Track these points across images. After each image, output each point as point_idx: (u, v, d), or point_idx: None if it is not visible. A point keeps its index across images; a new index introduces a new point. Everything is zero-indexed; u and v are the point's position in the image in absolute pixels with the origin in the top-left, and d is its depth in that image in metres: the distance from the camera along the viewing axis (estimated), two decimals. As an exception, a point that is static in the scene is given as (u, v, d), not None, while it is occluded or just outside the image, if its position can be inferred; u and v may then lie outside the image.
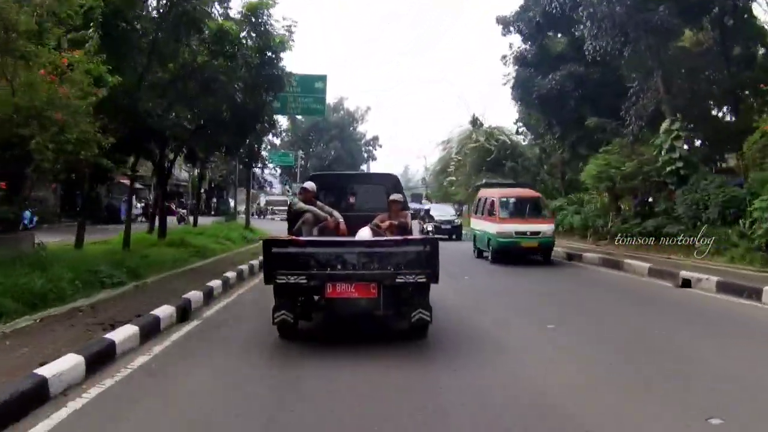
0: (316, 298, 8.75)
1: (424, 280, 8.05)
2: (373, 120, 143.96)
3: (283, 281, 8.08)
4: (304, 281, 8.07)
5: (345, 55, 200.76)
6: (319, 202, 10.60)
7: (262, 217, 72.45)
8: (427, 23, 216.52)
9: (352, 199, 11.67)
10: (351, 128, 76.74)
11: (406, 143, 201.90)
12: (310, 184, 10.75)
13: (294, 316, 8.51)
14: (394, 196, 10.54)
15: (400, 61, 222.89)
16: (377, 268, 8.10)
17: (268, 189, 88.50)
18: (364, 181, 13.51)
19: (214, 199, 76.01)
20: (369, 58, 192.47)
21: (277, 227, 31.35)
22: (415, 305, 8.37)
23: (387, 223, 10.26)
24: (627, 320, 11.11)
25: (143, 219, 36.74)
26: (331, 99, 77.01)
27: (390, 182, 11.78)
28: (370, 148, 78.25)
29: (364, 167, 76.05)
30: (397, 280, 8.00)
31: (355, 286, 8.16)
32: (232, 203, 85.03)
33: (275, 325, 8.58)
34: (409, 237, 9.60)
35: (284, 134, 76.90)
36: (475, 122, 51.60)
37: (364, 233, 9.83)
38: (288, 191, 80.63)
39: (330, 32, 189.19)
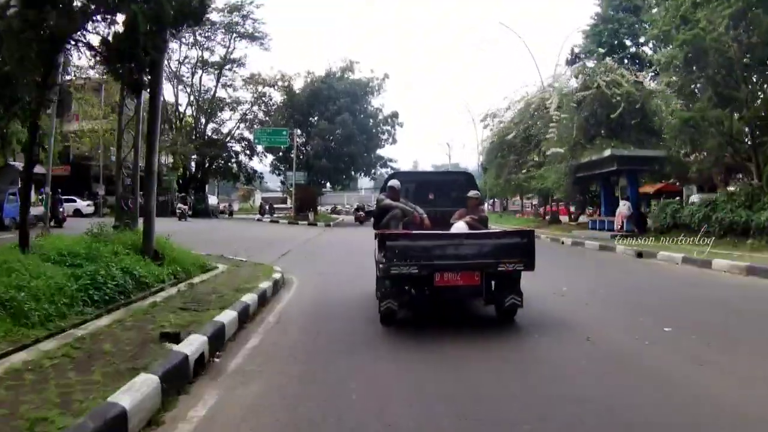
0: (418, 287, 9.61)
1: (522, 267, 9.36)
2: (392, 94, 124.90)
3: (397, 272, 9.09)
4: (416, 271, 9.13)
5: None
6: (402, 199, 11.85)
7: (265, 217, 65.46)
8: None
9: (431, 196, 12.78)
10: (364, 101, 65.98)
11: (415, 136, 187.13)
12: (395, 182, 11.96)
13: (399, 304, 9.56)
14: (472, 193, 11.94)
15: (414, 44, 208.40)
16: (481, 258, 9.36)
17: (258, 183, 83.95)
18: (439, 179, 15.70)
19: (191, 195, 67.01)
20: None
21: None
22: (509, 291, 9.64)
23: (468, 217, 11.43)
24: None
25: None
26: (337, 63, 67.45)
27: (464, 179, 13.36)
28: (389, 127, 66.22)
29: (380, 152, 68.47)
30: (499, 268, 9.33)
31: (461, 275, 9.33)
32: (213, 200, 73.33)
33: (381, 313, 9.73)
34: (508, 229, 11.59)
35: (273, 105, 68.89)
36: (574, 60, 44.99)
37: (461, 226, 10.98)
38: (283, 185, 67.24)
39: None
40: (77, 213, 48.68)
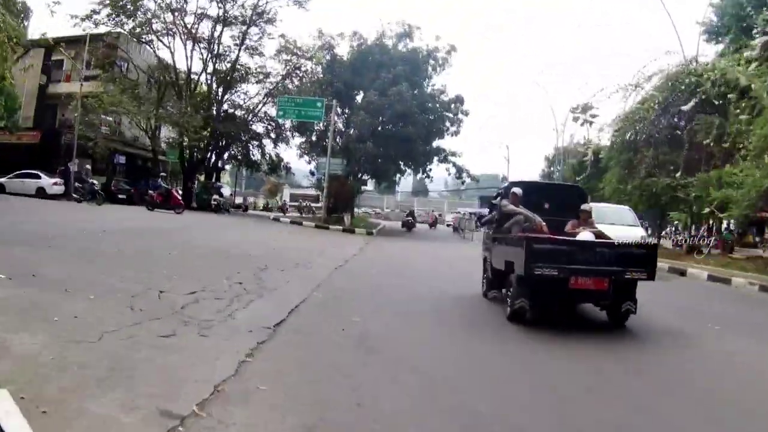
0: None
1: (645, 277, 10.45)
2: (457, 72, 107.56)
3: (540, 273, 10.03)
4: (555, 273, 10.12)
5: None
6: (521, 206, 13.03)
7: (286, 216, 57.86)
8: None
9: (546, 205, 13.78)
10: (425, 73, 52.66)
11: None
12: (518, 190, 13.19)
13: (531, 303, 10.67)
14: (585, 206, 13.20)
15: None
16: (611, 266, 10.41)
17: (284, 174, 71.09)
18: (553, 190, 16.19)
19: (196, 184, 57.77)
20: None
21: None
22: (627, 297, 10.82)
23: (592, 228, 12.67)
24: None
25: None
26: (392, 27, 54.14)
27: (576, 193, 14.68)
28: (451, 114, 51.84)
29: (440, 143, 53.40)
30: (626, 276, 10.44)
31: (593, 280, 10.42)
32: (226, 192, 60.03)
33: (515, 310, 10.73)
34: (637, 241, 13.16)
35: (304, 70, 56.61)
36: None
37: (587, 236, 11.97)
38: (314, 175, 52.76)
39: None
40: (39, 192, 41.80)
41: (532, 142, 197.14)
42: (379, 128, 48.11)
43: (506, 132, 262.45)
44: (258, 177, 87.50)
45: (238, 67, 56.24)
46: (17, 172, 43.65)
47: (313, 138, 53.34)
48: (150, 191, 39.14)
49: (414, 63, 50.26)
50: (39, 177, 43.41)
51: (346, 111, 51.04)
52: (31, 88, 52.00)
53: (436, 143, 52.24)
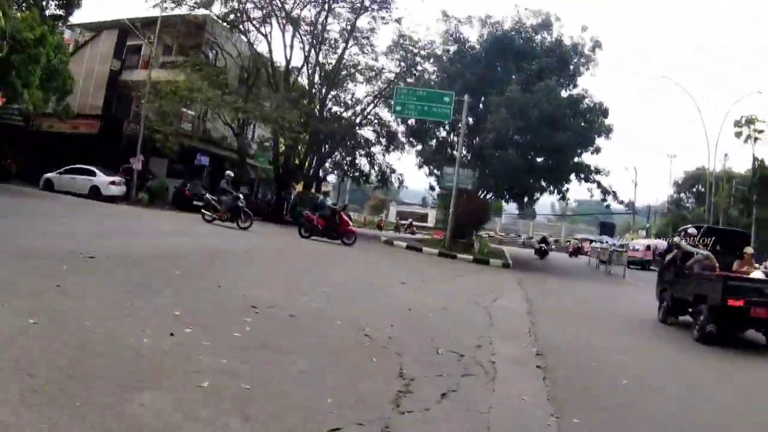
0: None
1: None
2: (602, 74, 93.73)
3: (731, 304, 12.26)
4: (742, 305, 12.32)
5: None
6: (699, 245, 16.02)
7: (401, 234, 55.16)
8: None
9: (718, 247, 16.25)
10: (574, 70, 40.31)
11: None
12: (693, 231, 16.56)
13: (717, 329, 12.78)
14: (749, 249, 15.65)
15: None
16: None
17: (395, 187, 60.64)
18: (721, 234, 17.88)
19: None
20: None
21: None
22: None
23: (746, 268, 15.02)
24: None
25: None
26: (528, 17, 42.45)
27: (740, 237, 17.64)
28: (596, 126, 38.42)
29: (584, 158, 39.86)
30: None
31: (766, 310, 12.47)
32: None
33: (706, 334, 12.86)
34: None
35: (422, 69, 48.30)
36: None
37: (758, 274, 14.24)
38: (435, 190, 43.29)
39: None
40: (93, 192, 35.33)
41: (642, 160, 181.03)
42: (523, 132, 36.77)
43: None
44: (365, 190, 78.82)
45: (345, 61, 48.02)
46: (68, 167, 36.80)
47: (433, 143, 43.56)
48: (308, 213, 29.17)
49: (561, 56, 39.26)
50: (93, 174, 36.33)
51: (480, 108, 39.60)
52: (101, 74, 44.51)
53: (576, 158, 40.02)
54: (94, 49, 45.48)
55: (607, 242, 61.30)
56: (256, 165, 48.33)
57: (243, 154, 46.14)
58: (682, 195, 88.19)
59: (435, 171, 42.82)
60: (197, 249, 16.38)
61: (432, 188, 47.03)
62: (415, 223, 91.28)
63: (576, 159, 38.10)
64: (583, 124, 37.37)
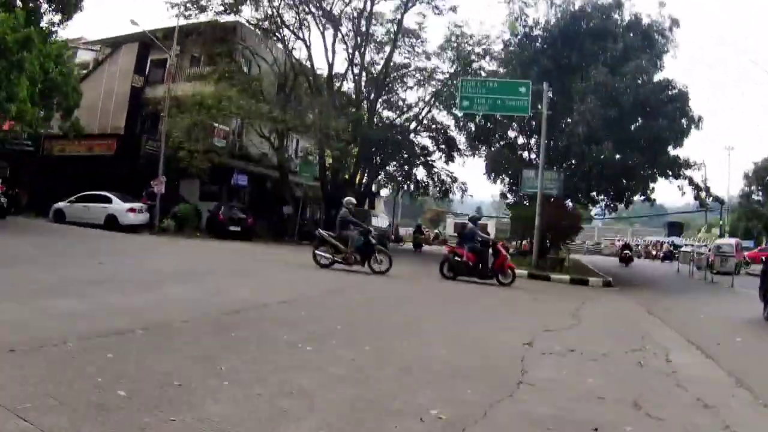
0: None
1: None
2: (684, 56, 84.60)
3: None
4: None
5: None
6: None
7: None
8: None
9: None
10: (659, 50, 32.51)
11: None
12: None
13: None
14: None
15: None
16: None
17: (459, 197, 51.94)
18: None
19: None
20: None
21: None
22: None
23: None
24: None
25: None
26: None
27: None
28: (683, 120, 30.90)
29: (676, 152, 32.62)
30: None
31: None
32: (383, 221, 45.66)
33: None
34: None
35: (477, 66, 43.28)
36: None
37: None
38: (504, 198, 37.78)
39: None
40: (109, 222, 30.75)
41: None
42: (616, 123, 29.26)
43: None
44: (418, 203, 72.88)
45: (393, 63, 42.96)
46: (81, 194, 32.45)
47: (500, 146, 36.96)
48: (453, 246, 22.42)
49: (645, 33, 32.23)
50: (109, 200, 31.80)
51: (554, 99, 31.77)
52: (122, 91, 39.93)
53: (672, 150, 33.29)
54: (114, 65, 40.97)
55: (687, 244, 56.54)
56: (301, 182, 42.92)
57: (284, 170, 40.56)
58: (753, 188, 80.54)
59: (505, 177, 37.04)
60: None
61: (504, 196, 40.51)
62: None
63: (672, 152, 32.03)
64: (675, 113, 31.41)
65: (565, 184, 30.11)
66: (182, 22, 36.70)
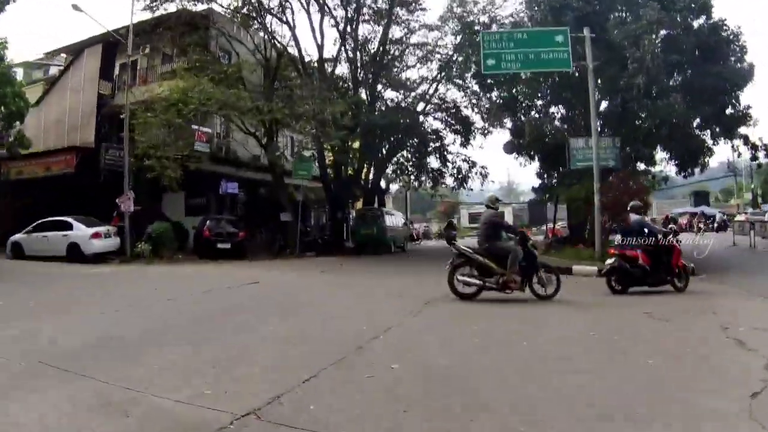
0: None
1: None
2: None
3: None
4: None
5: None
6: None
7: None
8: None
9: None
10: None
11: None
12: None
13: None
14: None
15: None
16: None
17: (479, 182, 45.68)
18: None
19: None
20: None
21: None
22: None
23: None
24: None
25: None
26: None
27: None
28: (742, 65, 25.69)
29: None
30: None
31: None
32: (398, 220, 40.72)
33: None
34: None
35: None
36: None
37: None
38: (543, 183, 37.72)
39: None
40: (71, 251, 25.69)
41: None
42: (679, 70, 24.71)
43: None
44: (425, 196, 67.02)
45: (391, 38, 37.36)
46: (38, 222, 27.32)
47: (535, 115, 30.38)
48: (624, 249, 14.81)
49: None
50: (69, 227, 26.50)
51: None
52: (88, 100, 33.47)
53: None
54: (77, 73, 34.68)
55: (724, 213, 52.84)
56: (301, 184, 37.23)
57: (277, 170, 34.16)
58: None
59: (535, 155, 31.22)
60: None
61: (542, 176, 34.43)
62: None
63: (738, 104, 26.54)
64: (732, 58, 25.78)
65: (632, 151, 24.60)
66: (148, 15, 31.31)
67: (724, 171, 71.84)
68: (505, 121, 32.96)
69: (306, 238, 34.63)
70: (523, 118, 30.95)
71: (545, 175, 34.26)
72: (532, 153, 30.87)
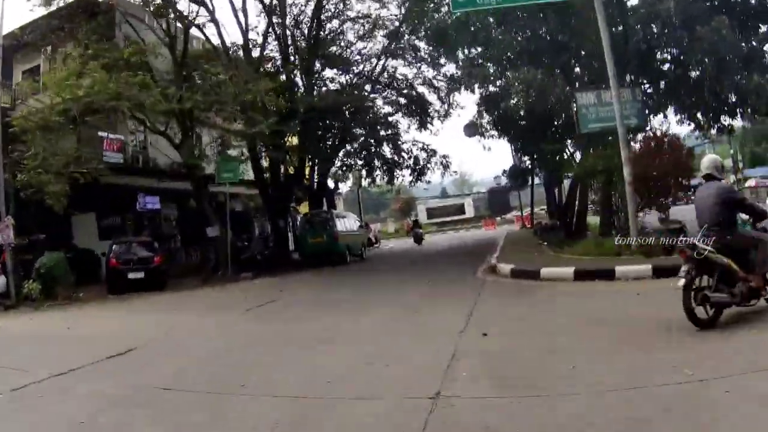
0: None
1: None
2: None
3: None
4: None
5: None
6: None
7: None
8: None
9: None
10: None
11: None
12: None
13: None
14: None
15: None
16: None
17: (441, 175, 41.19)
18: None
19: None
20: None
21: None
22: None
23: None
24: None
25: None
26: None
27: None
28: None
29: None
30: None
31: None
32: (352, 223, 35.79)
33: None
34: None
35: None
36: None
37: None
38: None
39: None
40: None
41: None
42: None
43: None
44: (377, 194, 60.94)
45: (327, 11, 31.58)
46: None
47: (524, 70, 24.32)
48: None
49: None
50: None
51: None
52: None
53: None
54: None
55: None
56: (238, 192, 31.27)
57: (196, 174, 26.94)
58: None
59: (511, 128, 25.51)
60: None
61: (518, 155, 28.83)
62: (452, 218, 78.32)
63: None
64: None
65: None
66: (43, 11, 25.15)
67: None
68: (474, 84, 27.24)
69: (243, 255, 28.59)
70: (499, 82, 24.44)
71: (521, 154, 28.93)
72: (508, 128, 25.19)
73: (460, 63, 26.39)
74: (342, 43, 34.54)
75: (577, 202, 26.51)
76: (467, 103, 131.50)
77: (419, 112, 34.96)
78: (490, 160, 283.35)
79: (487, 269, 18.95)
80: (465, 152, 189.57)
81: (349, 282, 21.77)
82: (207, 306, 17.39)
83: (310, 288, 20.66)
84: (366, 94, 33.79)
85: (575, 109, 18.50)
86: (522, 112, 21.86)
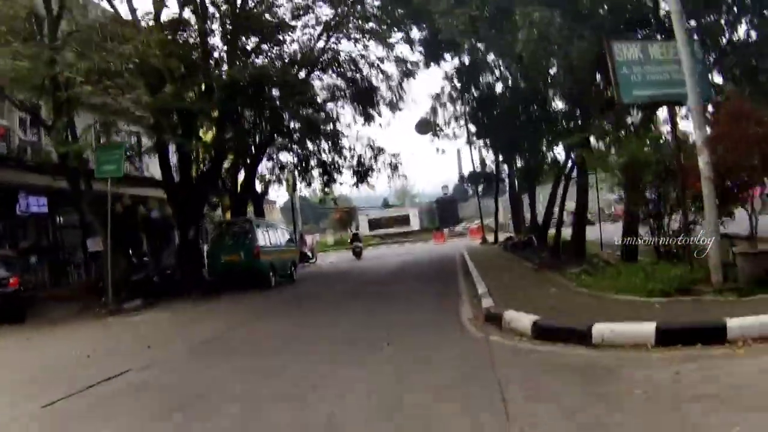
0: None
1: None
2: None
3: None
4: None
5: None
6: None
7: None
8: None
9: None
10: None
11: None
12: None
13: None
14: None
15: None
16: None
17: (393, 180, 35.79)
18: None
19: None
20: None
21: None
22: None
23: None
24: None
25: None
26: None
27: None
28: None
29: None
30: None
31: None
32: (280, 236, 31.37)
33: None
34: None
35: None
36: None
37: None
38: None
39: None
40: None
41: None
42: None
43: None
44: (314, 201, 55.38)
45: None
46: None
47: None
48: None
49: None
50: None
51: None
52: None
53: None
54: None
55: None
56: (148, 194, 25.03)
57: (69, 165, 20.01)
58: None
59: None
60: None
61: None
62: (396, 230, 75.23)
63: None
64: None
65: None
66: None
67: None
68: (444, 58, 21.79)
69: (136, 276, 22.13)
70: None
71: (496, 149, 23.77)
72: (488, 113, 19.90)
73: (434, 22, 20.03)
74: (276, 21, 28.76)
75: (572, 214, 21.46)
76: (420, 96, 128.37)
77: (364, 99, 29.60)
78: (431, 171, 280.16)
79: (480, 316, 11.43)
80: (406, 162, 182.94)
81: (270, 323, 14.47)
82: (41, 363, 10.63)
83: (200, 337, 12.28)
84: (303, 76, 27.57)
85: (612, 68, 11.72)
86: (518, 83, 16.21)
